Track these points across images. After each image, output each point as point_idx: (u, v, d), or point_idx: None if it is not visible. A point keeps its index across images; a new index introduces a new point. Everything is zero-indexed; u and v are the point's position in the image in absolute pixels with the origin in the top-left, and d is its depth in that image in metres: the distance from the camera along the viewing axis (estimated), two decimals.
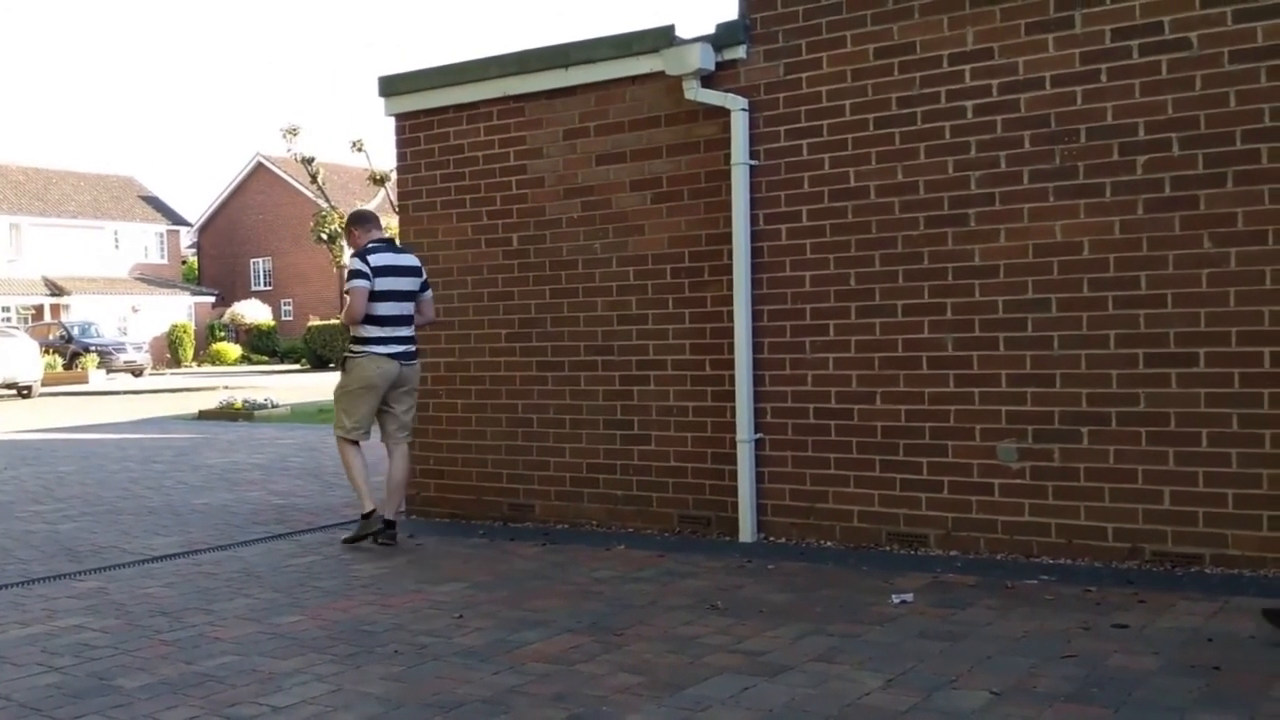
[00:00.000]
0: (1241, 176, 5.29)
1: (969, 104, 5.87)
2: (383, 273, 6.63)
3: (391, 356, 6.69)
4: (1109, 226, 5.57)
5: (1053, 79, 5.67)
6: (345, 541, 6.83)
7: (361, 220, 7.03)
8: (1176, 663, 4.04)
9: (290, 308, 54.15)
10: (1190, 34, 5.37)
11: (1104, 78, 5.56)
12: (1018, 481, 5.79)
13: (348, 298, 6.78)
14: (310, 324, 42.13)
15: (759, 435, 6.50)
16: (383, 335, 6.66)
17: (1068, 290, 5.66)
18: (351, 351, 6.78)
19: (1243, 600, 4.83)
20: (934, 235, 5.99)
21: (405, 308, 6.75)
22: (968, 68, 5.87)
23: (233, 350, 46.95)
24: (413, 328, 6.85)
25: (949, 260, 5.95)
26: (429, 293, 6.97)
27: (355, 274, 6.62)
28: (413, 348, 6.84)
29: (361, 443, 6.85)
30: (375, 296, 6.60)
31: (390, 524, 6.76)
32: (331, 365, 38.10)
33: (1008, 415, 5.81)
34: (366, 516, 6.74)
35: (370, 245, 6.77)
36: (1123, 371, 5.54)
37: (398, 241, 7.54)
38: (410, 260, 6.89)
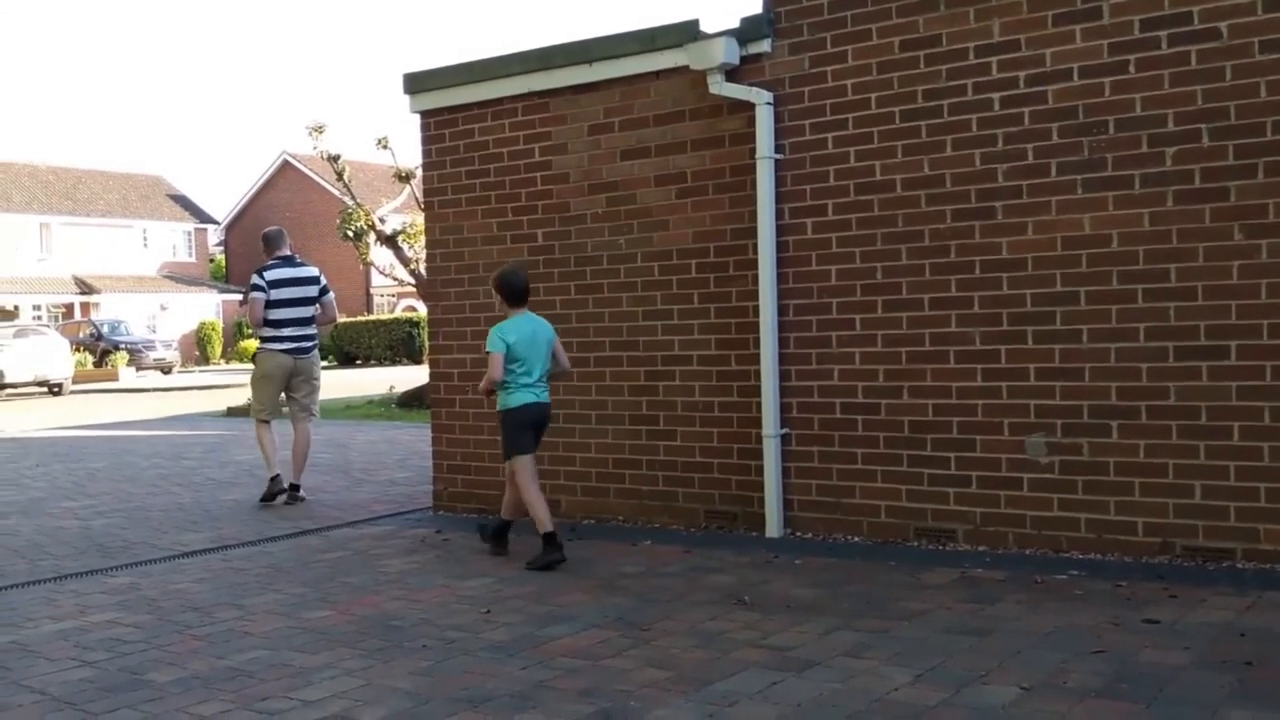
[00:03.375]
0: (1273, 167, 5.23)
1: (996, 96, 5.84)
2: (277, 285, 8.28)
3: (285, 352, 8.38)
4: (1138, 219, 5.52)
5: (1080, 70, 5.63)
6: (260, 500, 8.38)
7: (267, 242, 8.59)
8: (1208, 658, 4.01)
9: None
10: (1220, 24, 5.31)
11: (1132, 68, 5.51)
12: (1047, 476, 5.76)
13: (248, 306, 8.42)
14: (337, 320, 42.30)
15: (785, 430, 6.49)
16: (278, 335, 8.35)
17: (1096, 283, 5.62)
18: (259, 349, 8.53)
19: (1276, 595, 4.78)
20: (961, 228, 5.95)
21: (301, 312, 8.38)
22: (994, 59, 5.83)
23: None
24: (311, 327, 8.48)
25: (976, 253, 5.92)
26: (329, 296, 8.58)
27: (254, 287, 8.30)
28: (307, 344, 8.47)
29: (273, 421, 8.53)
30: (272, 304, 8.25)
31: (295, 487, 8.43)
32: (358, 362, 38.34)
33: (1036, 409, 5.78)
34: (274, 479, 8.38)
35: (269, 263, 8.40)
36: (1152, 365, 5.50)
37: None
38: (307, 272, 8.49)
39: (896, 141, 6.11)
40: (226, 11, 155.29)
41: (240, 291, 57.95)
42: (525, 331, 6.02)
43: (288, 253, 8.53)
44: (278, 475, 8.40)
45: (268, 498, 8.36)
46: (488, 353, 6.02)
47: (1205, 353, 5.39)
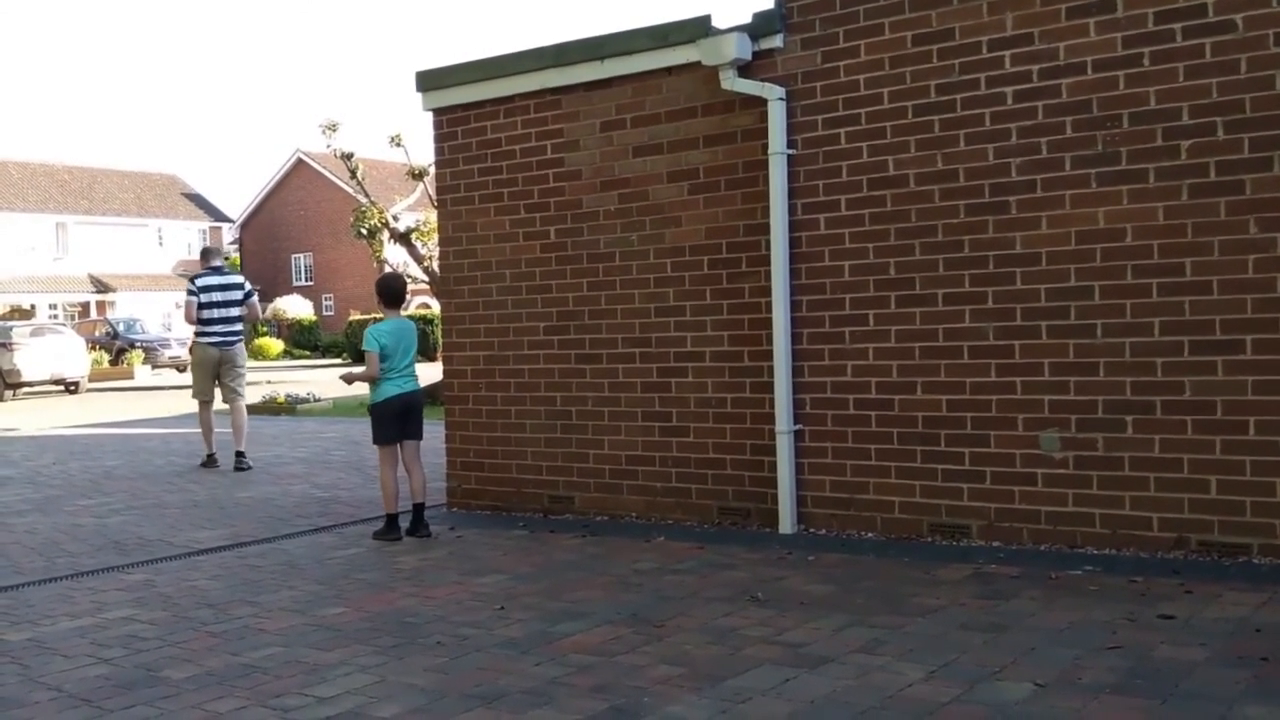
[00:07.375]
0: None
1: (1009, 90, 5.81)
2: (206, 290, 10.34)
3: (213, 344, 10.40)
4: (1152, 212, 5.49)
5: (1094, 63, 5.60)
6: (200, 465, 10.54)
7: (203, 255, 11.00)
8: (1223, 654, 3.99)
9: (331, 302, 54.57)
10: (1235, 16, 5.28)
11: (1146, 62, 5.48)
12: (1061, 471, 5.74)
13: (184, 309, 10.53)
14: (351, 318, 42.37)
15: (798, 426, 6.48)
16: (208, 330, 10.39)
17: (1111, 277, 5.59)
18: (193, 343, 10.67)
19: None
20: (974, 223, 5.94)
21: (227, 311, 10.40)
22: (1007, 53, 5.81)
23: (275, 345, 47.34)
24: (237, 324, 10.50)
25: (990, 248, 5.90)
26: (252, 298, 10.70)
27: (188, 292, 10.45)
28: (233, 338, 10.49)
29: (210, 404, 10.60)
30: (204, 306, 10.27)
31: (240, 454, 10.34)
32: None
33: (1050, 404, 5.76)
34: (210, 457, 10.54)
35: (200, 272, 10.55)
36: (1167, 359, 5.47)
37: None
38: (233, 280, 10.59)
39: (909, 136, 6.09)
40: (241, 10, 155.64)
41: (254, 289, 58.90)
42: (395, 331, 6.91)
43: (218, 264, 10.72)
44: (213, 454, 10.49)
45: (205, 465, 10.51)
46: (364, 351, 6.91)
47: (1220, 347, 5.36)
